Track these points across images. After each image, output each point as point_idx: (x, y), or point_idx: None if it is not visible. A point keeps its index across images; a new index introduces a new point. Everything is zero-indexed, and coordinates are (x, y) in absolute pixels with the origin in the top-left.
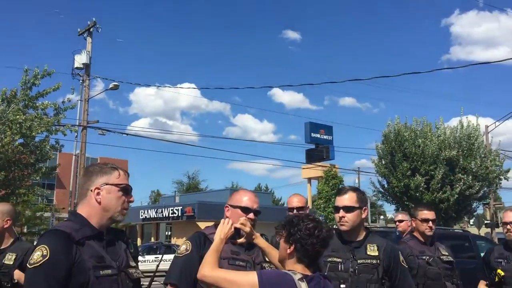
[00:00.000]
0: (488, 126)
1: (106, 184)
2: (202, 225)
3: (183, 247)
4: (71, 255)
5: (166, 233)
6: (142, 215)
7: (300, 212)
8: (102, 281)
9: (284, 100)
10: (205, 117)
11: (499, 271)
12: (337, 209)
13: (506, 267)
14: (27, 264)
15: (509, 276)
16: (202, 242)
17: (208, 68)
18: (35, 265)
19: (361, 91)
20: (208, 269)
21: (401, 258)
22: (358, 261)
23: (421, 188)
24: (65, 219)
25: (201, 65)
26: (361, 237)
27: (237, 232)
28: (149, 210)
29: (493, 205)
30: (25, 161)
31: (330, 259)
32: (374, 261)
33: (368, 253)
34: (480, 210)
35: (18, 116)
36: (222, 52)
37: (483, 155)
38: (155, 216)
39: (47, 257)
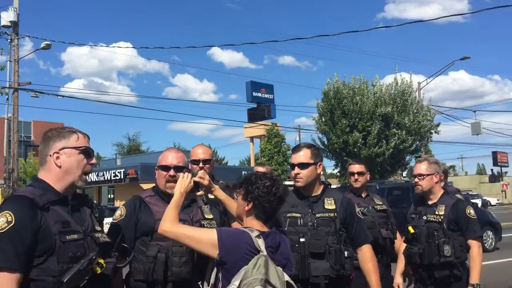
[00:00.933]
0: (420, 83)
1: (65, 148)
2: (146, 186)
3: (118, 213)
4: (36, 220)
5: (109, 196)
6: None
7: (207, 165)
8: (69, 246)
9: (224, 60)
10: (143, 78)
11: (409, 227)
12: (292, 166)
13: (417, 223)
14: None
15: (418, 233)
16: (137, 206)
17: (145, 27)
18: (0, 231)
19: (301, 50)
20: (169, 224)
21: (357, 210)
22: (317, 215)
23: (358, 144)
24: (27, 185)
25: (138, 23)
26: (318, 191)
27: (196, 186)
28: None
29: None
30: None
31: (289, 215)
32: (332, 214)
33: (325, 207)
34: (412, 163)
35: None
36: (160, 11)
37: (415, 111)
38: (96, 180)
39: (12, 223)
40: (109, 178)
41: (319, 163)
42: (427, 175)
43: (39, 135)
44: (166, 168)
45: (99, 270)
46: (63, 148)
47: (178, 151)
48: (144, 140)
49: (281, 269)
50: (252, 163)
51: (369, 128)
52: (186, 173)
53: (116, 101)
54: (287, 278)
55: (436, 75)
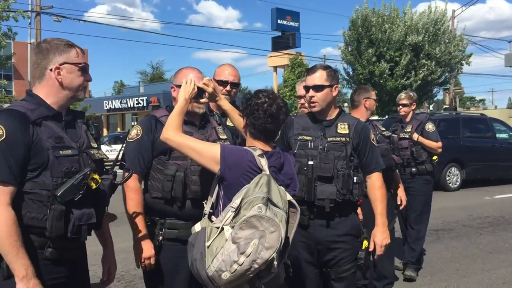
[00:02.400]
0: (455, 11)
1: (66, 63)
2: None
3: (133, 132)
4: (28, 134)
5: (132, 123)
6: (106, 106)
7: (234, 89)
8: (62, 161)
9: None
10: (167, 4)
11: None
12: (307, 88)
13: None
14: None
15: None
16: (153, 125)
17: None
18: None
19: None
20: (172, 132)
21: (372, 136)
22: (328, 139)
23: (385, 75)
24: (20, 99)
25: None
26: (332, 115)
27: (199, 93)
28: (113, 101)
29: (453, 90)
30: None
31: (300, 137)
32: (344, 139)
33: (338, 131)
34: (440, 96)
35: None
36: None
37: (447, 41)
38: (120, 107)
39: (3, 137)
40: (132, 106)
41: (335, 86)
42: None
43: None
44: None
45: (94, 186)
46: (63, 63)
47: (198, 71)
48: (168, 69)
49: (284, 189)
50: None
51: (397, 59)
52: (190, 79)
53: (140, 28)
54: (289, 197)
55: (473, 2)
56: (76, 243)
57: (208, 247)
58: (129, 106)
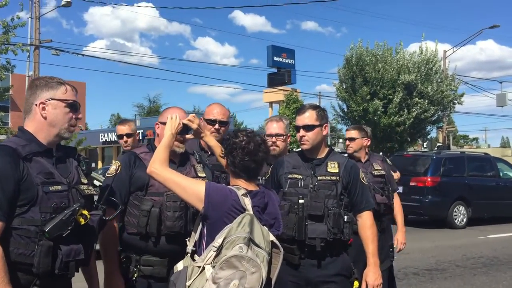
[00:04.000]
0: (446, 52)
1: (52, 99)
2: None
3: (112, 168)
4: (18, 170)
5: None
6: (102, 138)
7: (222, 128)
8: (52, 197)
9: (245, 23)
10: (165, 40)
11: None
12: (297, 128)
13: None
14: None
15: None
16: (132, 161)
17: None
18: None
19: (324, 14)
20: (158, 166)
21: (361, 175)
22: (318, 177)
23: (379, 112)
24: (12, 135)
25: None
26: (322, 154)
27: (185, 129)
28: (109, 133)
29: (446, 128)
30: None
31: (290, 176)
32: (334, 178)
33: (328, 170)
34: (433, 134)
35: None
36: None
37: (439, 80)
38: (115, 140)
39: None
40: None
41: (325, 125)
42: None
43: None
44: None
45: (83, 221)
46: (49, 99)
47: (184, 111)
48: (165, 102)
49: (267, 229)
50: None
51: (391, 96)
52: (175, 114)
53: (138, 63)
54: (272, 237)
55: (463, 44)
56: (63, 280)
57: (188, 286)
58: None
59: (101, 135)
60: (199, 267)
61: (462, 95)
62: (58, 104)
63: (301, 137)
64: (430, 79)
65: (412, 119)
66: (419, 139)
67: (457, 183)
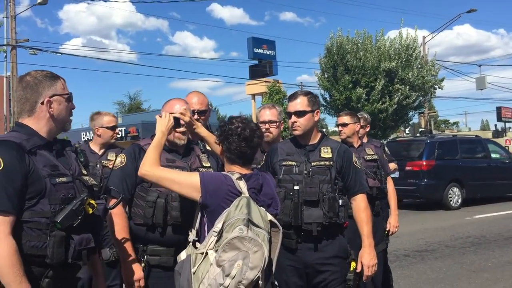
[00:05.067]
0: (425, 37)
1: (55, 95)
2: None
3: (118, 160)
4: (24, 164)
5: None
6: (84, 137)
7: (202, 117)
8: (59, 188)
9: (224, 16)
10: (142, 35)
11: None
12: (289, 114)
13: None
14: None
15: None
16: (136, 153)
17: None
18: None
19: (303, 4)
20: (148, 167)
21: (354, 159)
22: (312, 163)
23: (362, 100)
24: (10, 130)
25: None
26: (315, 140)
27: (177, 123)
28: (90, 132)
29: (427, 113)
30: None
31: (285, 163)
32: (328, 163)
33: (322, 155)
34: (415, 119)
35: None
36: None
37: (420, 66)
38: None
39: (1, 166)
40: None
41: (316, 111)
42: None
43: None
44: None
45: (90, 211)
46: (53, 96)
47: (184, 102)
48: (145, 99)
49: (264, 209)
50: (254, 120)
51: (373, 84)
52: (163, 112)
53: (117, 59)
54: (270, 217)
55: (441, 29)
56: (74, 270)
57: (194, 273)
58: None
59: (83, 134)
60: (202, 253)
61: (442, 80)
62: (61, 99)
63: (293, 123)
64: (410, 65)
65: (394, 106)
66: (401, 125)
67: (451, 166)
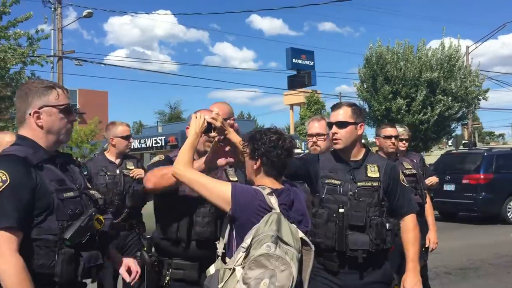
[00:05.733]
0: (468, 47)
1: (45, 106)
2: None
3: (156, 158)
4: (31, 178)
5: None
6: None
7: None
8: (67, 204)
9: (263, 27)
10: (183, 46)
11: None
12: (330, 125)
13: None
14: None
15: None
16: (169, 161)
17: None
18: None
19: (342, 14)
20: (182, 167)
21: (401, 177)
22: (358, 183)
23: (402, 111)
24: (11, 144)
25: None
26: (359, 156)
27: (209, 128)
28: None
29: (471, 125)
30: (1, 94)
31: (328, 181)
32: (375, 184)
33: (368, 174)
34: (458, 131)
35: None
36: None
37: (463, 76)
38: (139, 147)
39: (8, 182)
40: (150, 145)
41: (360, 124)
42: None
43: (84, 103)
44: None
45: (99, 226)
46: (42, 107)
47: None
48: (185, 108)
49: (295, 226)
50: (292, 131)
51: (413, 95)
52: (199, 113)
53: (158, 70)
54: (301, 234)
55: (486, 38)
56: (82, 287)
57: None
58: (147, 145)
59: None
60: (230, 269)
61: (487, 91)
62: (52, 111)
63: (334, 134)
64: (453, 75)
65: (436, 117)
66: (443, 137)
67: (509, 179)
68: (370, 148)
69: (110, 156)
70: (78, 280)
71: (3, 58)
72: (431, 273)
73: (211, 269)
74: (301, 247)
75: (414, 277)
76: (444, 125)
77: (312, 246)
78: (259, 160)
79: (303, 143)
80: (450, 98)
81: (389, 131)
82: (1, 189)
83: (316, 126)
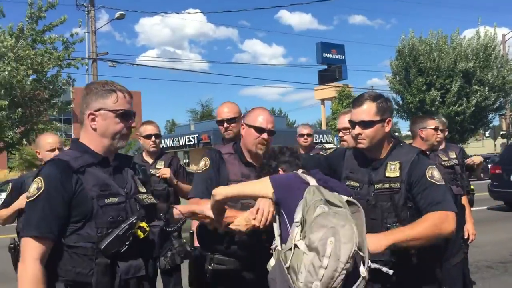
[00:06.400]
0: (505, 35)
1: (101, 109)
2: None
3: (202, 163)
4: (69, 185)
5: (184, 160)
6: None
7: (232, 124)
8: (107, 210)
9: (292, 22)
10: (213, 44)
11: None
12: (353, 124)
13: None
14: (26, 198)
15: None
16: (217, 159)
17: None
18: (31, 198)
19: (372, 5)
20: (217, 190)
21: (430, 172)
22: (375, 185)
23: (436, 102)
24: (68, 148)
25: None
26: (384, 153)
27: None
28: (165, 140)
29: (509, 115)
30: (39, 97)
31: (348, 183)
32: (394, 185)
33: (386, 174)
34: (496, 122)
35: (28, 52)
36: None
37: (499, 66)
38: (172, 145)
39: (42, 189)
40: (183, 143)
41: (387, 119)
42: None
43: None
44: (261, 130)
45: (141, 235)
46: (99, 109)
47: (269, 114)
48: (216, 106)
49: (337, 193)
50: (324, 126)
51: (448, 86)
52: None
53: (189, 69)
54: (346, 198)
55: None
56: None
57: (288, 268)
58: (180, 144)
59: (160, 146)
60: (290, 248)
61: None
62: (108, 115)
63: (357, 134)
64: (489, 65)
65: (472, 108)
66: (480, 128)
67: None
68: (401, 141)
69: (146, 156)
70: None
71: (40, 62)
72: (472, 267)
73: (271, 262)
74: (349, 210)
75: (380, 238)
76: (481, 116)
77: (360, 207)
78: (280, 171)
79: (335, 138)
80: (486, 88)
81: (435, 122)
82: (35, 197)
83: (344, 120)
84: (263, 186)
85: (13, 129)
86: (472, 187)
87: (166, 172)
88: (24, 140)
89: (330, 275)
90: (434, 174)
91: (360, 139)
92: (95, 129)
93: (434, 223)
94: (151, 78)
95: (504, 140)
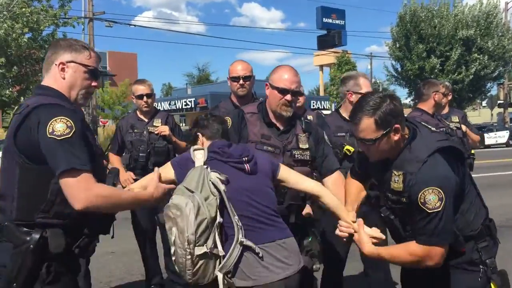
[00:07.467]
0: (507, 3)
1: (73, 62)
2: None
3: (229, 121)
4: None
5: (180, 124)
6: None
7: (247, 82)
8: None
9: None
10: (211, 7)
11: (347, 147)
12: (356, 140)
13: (351, 141)
14: (50, 136)
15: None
16: (239, 120)
17: None
18: (65, 136)
19: None
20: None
21: (423, 198)
22: (387, 193)
23: (436, 70)
24: (39, 93)
25: None
26: (396, 153)
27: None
28: (162, 103)
29: (507, 85)
30: (35, 56)
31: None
32: (402, 199)
33: (391, 186)
34: (493, 91)
35: (23, 9)
36: None
37: (500, 34)
38: (169, 108)
39: (74, 128)
40: (180, 107)
41: (394, 126)
42: None
43: (114, 65)
44: (284, 91)
45: None
46: (71, 61)
47: (294, 73)
48: (213, 70)
49: (216, 173)
50: (321, 93)
51: (448, 53)
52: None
53: (186, 31)
54: (213, 177)
55: None
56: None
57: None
58: (177, 107)
59: (154, 105)
60: None
61: None
62: (79, 68)
63: (363, 151)
64: (490, 33)
65: (471, 76)
66: (478, 98)
67: None
68: (417, 129)
69: (140, 114)
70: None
71: (36, 20)
72: None
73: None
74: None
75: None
76: (479, 85)
77: (216, 193)
78: (199, 136)
79: (333, 104)
80: (486, 56)
81: (443, 87)
82: (71, 134)
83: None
84: (166, 170)
85: (9, 88)
86: (472, 151)
87: (165, 130)
88: (20, 99)
89: (180, 260)
90: (428, 199)
91: (368, 155)
92: (63, 78)
93: (417, 257)
94: (148, 40)
95: (501, 110)
